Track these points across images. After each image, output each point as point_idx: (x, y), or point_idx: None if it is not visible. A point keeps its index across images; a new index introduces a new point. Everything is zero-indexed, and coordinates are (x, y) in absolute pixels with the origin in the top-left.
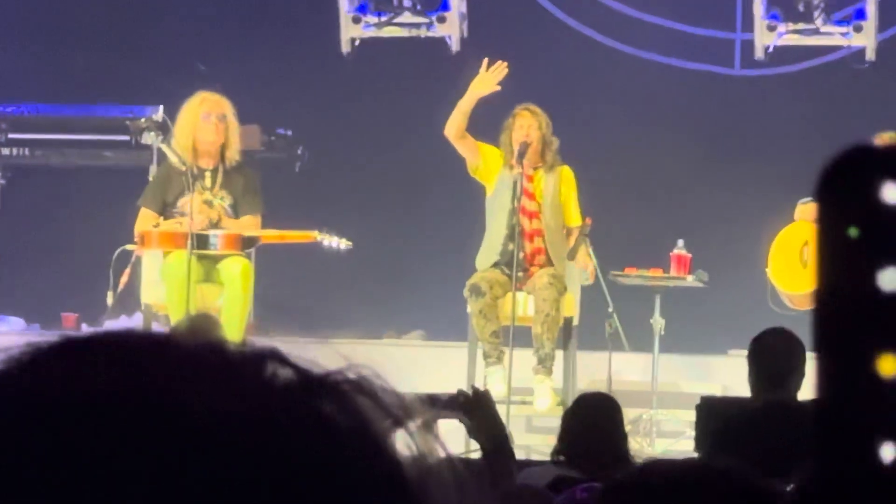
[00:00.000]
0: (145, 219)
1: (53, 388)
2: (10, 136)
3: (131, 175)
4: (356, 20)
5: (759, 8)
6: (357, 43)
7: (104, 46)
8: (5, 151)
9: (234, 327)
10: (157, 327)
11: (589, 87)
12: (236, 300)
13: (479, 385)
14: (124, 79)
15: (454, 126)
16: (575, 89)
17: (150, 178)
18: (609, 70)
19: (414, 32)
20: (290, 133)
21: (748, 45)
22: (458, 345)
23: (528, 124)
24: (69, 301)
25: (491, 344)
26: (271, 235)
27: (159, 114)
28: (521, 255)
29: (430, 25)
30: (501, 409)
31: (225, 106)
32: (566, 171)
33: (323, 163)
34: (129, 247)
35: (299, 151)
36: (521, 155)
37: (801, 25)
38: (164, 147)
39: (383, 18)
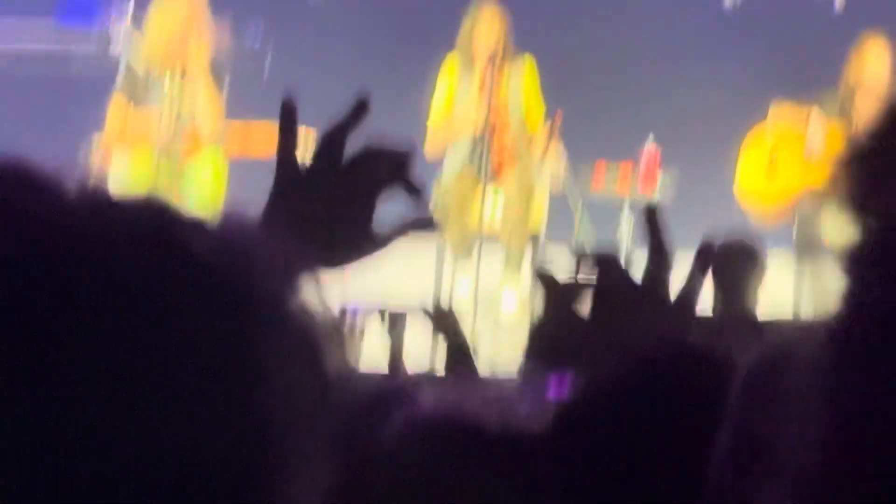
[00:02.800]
0: (116, 106)
1: None
2: None
3: (101, 86)
4: None
5: None
6: None
7: None
8: None
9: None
10: None
11: None
12: (208, 192)
13: (447, 287)
14: None
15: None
16: None
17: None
18: None
19: None
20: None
21: None
22: (426, 238)
23: (496, 27)
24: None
25: (460, 242)
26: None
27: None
28: (490, 154)
29: None
30: (469, 316)
31: (194, 20)
32: (528, 62)
33: (294, 56)
34: (96, 138)
35: (268, 49)
36: (488, 58)
37: None
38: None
39: None
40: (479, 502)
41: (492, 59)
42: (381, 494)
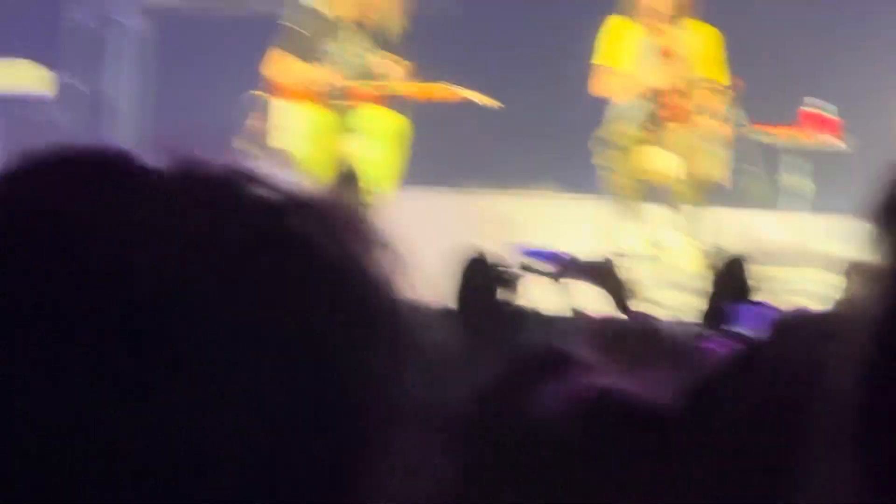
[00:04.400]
0: (278, 60)
1: None
2: None
3: (275, 24)
4: None
5: None
6: None
7: None
8: None
9: (383, 179)
10: (289, 172)
11: None
12: (377, 150)
13: (616, 241)
14: None
15: (605, 94)
16: None
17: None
18: None
19: None
20: None
21: None
22: (593, 196)
23: None
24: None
25: (626, 199)
26: (413, 91)
27: None
28: (661, 112)
29: None
30: (638, 266)
31: None
32: (709, 28)
33: (460, 13)
34: (257, 92)
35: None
36: (658, 13)
37: None
38: None
39: None
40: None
41: (661, 17)
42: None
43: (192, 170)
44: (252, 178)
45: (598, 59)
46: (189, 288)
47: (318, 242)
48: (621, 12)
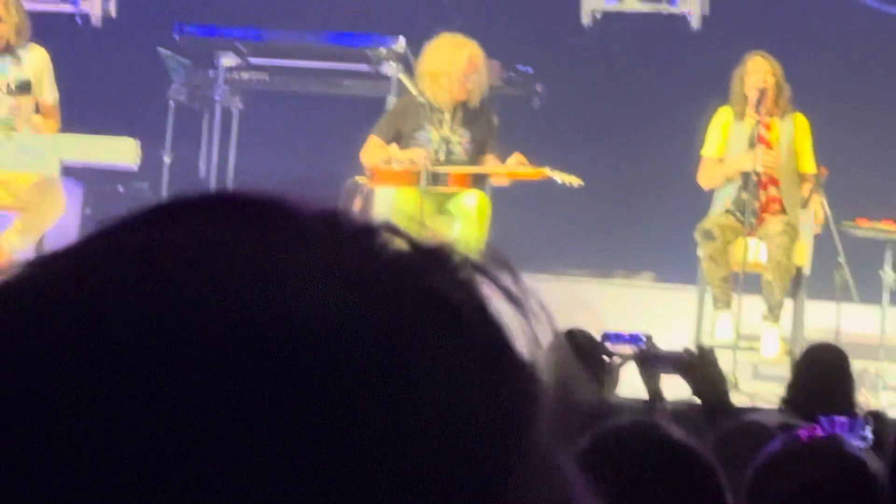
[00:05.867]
0: (373, 147)
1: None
2: (251, 60)
3: (369, 105)
4: None
5: None
6: (598, 16)
7: None
8: (245, 76)
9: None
10: None
11: (829, 39)
12: (471, 233)
13: (707, 329)
14: (363, 6)
15: (710, 185)
16: (816, 40)
17: (388, 109)
18: (850, 23)
19: (654, 8)
20: (530, 70)
21: None
22: (687, 287)
23: (762, 69)
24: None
25: (720, 289)
26: (501, 173)
27: (400, 44)
28: (756, 203)
29: (671, 1)
30: (728, 356)
31: (478, 60)
32: (800, 119)
33: (560, 101)
34: (359, 179)
35: (538, 89)
36: (759, 102)
37: None
38: (403, 78)
39: None
40: None
41: (761, 107)
42: None
43: (338, 218)
44: (391, 232)
45: (705, 150)
46: (341, 333)
47: (459, 301)
48: (728, 103)
